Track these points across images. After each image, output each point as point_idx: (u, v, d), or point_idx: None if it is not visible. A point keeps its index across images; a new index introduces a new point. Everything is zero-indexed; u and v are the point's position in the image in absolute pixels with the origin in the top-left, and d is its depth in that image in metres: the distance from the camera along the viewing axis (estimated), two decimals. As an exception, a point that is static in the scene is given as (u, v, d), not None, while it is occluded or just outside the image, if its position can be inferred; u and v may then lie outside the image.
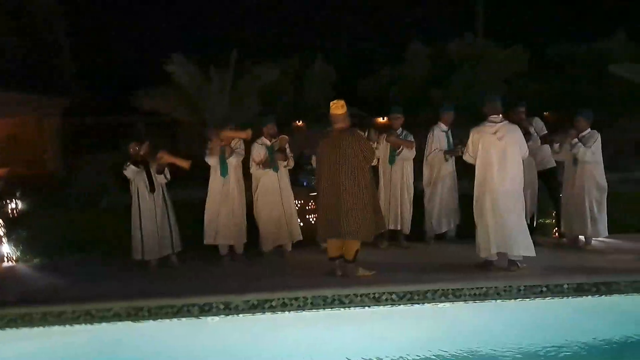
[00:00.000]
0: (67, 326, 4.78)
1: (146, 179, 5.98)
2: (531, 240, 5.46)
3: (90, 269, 6.22)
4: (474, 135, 5.55)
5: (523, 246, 5.40)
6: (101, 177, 10.73)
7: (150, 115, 12.59)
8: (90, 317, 4.79)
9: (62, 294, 5.16)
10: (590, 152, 6.10)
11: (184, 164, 6.05)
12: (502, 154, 5.39)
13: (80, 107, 14.18)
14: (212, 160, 6.15)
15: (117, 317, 4.80)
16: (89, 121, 15.25)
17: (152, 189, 6.00)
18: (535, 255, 5.43)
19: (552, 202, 6.95)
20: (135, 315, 4.82)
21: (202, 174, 6.36)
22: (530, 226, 6.68)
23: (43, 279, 5.83)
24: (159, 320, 4.84)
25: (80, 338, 4.78)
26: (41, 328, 4.77)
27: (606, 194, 6.28)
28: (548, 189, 6.90)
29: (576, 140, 6.16)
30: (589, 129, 6.23)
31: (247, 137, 6.24)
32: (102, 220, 7.25)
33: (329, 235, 5.43)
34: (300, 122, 13.63)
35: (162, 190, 6.11)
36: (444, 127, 6.72)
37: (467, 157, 5.68)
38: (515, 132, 5.49)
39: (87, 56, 15.47)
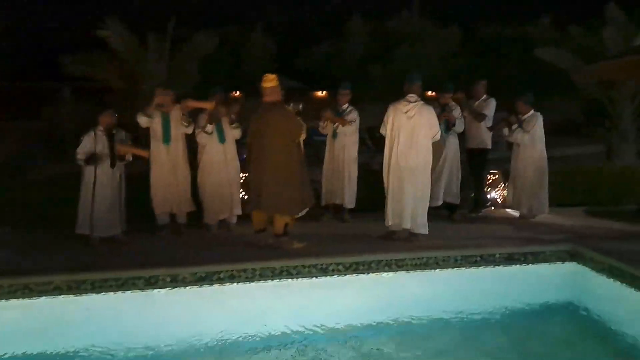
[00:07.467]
0: (3, 301, 4.54)
1: (109, 153, 5.67)
2: (426, 219, 5.70)
3: (23, 241, 5.90)
4: (388, 111, 5.71)
5: (417, 223, 5.65)
6: (25, 146, 10.14)
7: (76, 81, 11.96)
8: (29, 292, 4.57)
9: (-4, 267, 4.88)
10: (528, 135, 6.46)
11: (143, 153, 5.93)
12: (410, 132, 5.55)
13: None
14: (144, 121, 5.95)
15: (58, 290, 4.61)
16: (7, 86, 14.32)
17: (113, 163, 5.70)
18: (427, 233, 5.70)
19: (472, 179, 7.29)
20: (77, 288, 4.64)
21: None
22: (452, 205, 6.98)
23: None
24: (103, 293, 4.69)
25: (17, 313, 4.56)
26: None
27: (546, 172, 6.68)
28: (470, 167, 7.22)
29: (516, 125, 6.50)
30: (532, 111, 6.57)
31: (211, 108, 6.10)
32: (27, 191, 6.90)
33: (252, 208, 5.59)
34: (238, 93, 13.44)
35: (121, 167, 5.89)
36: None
37: (382, 131, 5.83)
38: (428, 113, 5.60)
39: (7, 18, 14.44)
